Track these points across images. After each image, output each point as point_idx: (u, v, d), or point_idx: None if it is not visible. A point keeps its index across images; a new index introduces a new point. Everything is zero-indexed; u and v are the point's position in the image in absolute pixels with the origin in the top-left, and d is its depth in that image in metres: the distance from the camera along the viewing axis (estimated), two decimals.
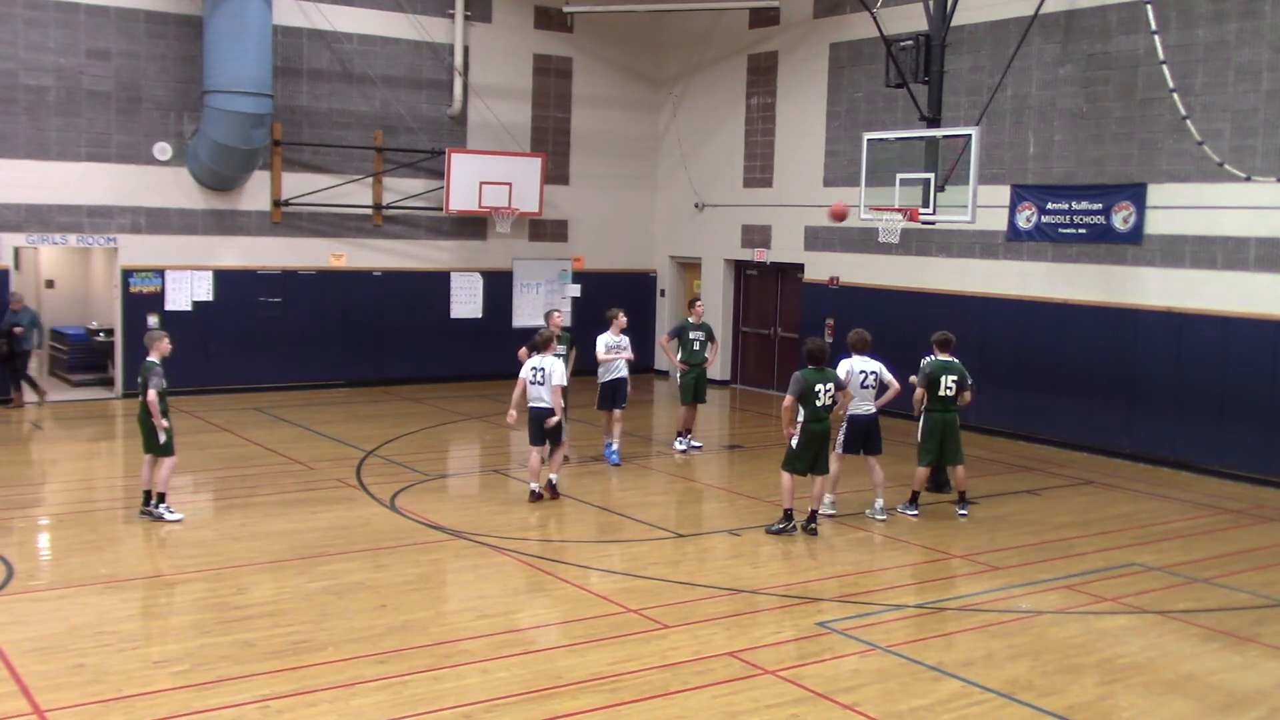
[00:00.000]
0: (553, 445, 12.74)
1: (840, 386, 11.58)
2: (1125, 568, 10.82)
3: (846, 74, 19.61)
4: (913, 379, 12.64)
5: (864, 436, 12.20)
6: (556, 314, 14.63)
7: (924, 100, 15.66)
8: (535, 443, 12.59)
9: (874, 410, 12.19)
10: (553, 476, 12.77)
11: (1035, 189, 16.75)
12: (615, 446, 14.70)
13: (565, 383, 12.74)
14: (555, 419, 12.50)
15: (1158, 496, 13.90)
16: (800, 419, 11.28)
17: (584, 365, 15.77)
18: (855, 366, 12.04)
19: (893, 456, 14.63)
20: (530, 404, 12.51)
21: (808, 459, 11.40)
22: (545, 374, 12.39)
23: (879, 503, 12.25)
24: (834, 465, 12.01)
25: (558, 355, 12.85)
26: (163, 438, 11.35)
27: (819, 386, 11.28)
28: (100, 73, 18.06)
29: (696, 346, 15.54)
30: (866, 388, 12.06)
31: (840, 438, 12.17)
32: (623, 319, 14.76)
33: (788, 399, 11.34)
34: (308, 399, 19.26)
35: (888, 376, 12.20)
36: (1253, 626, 9.27)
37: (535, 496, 12.56)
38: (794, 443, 11.34)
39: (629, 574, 10.24)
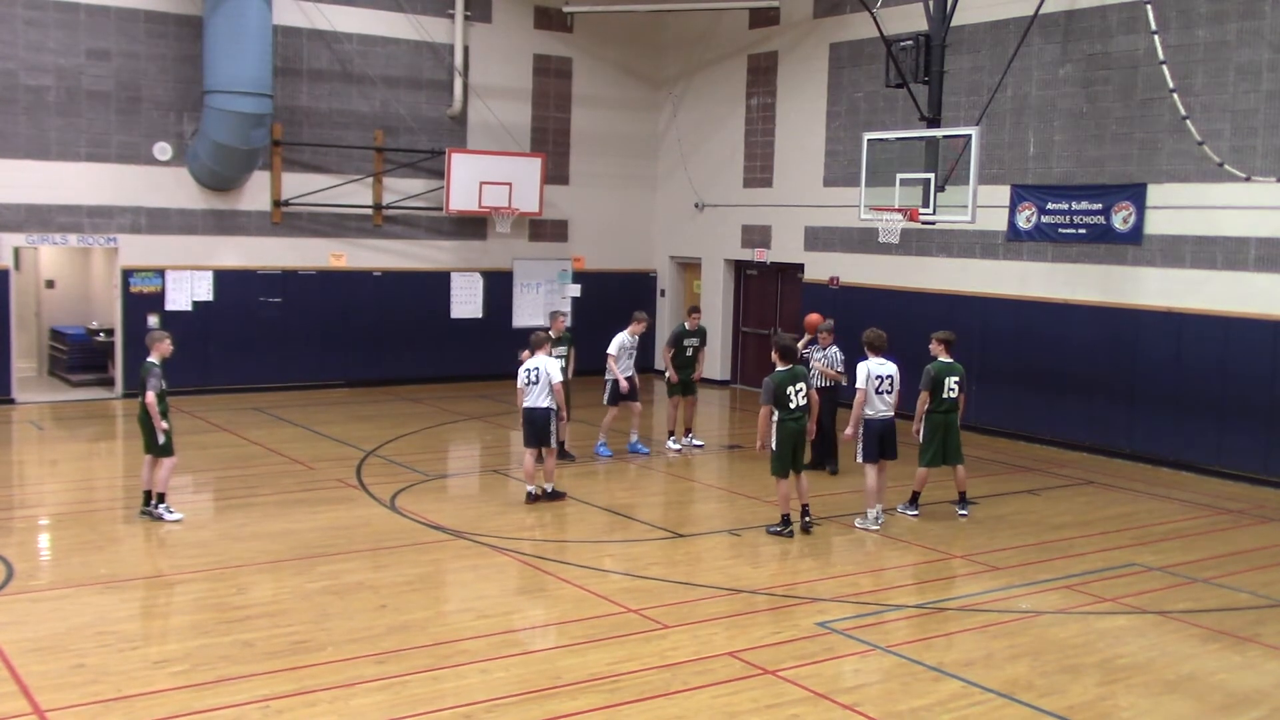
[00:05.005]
0: (545, 448, 12.52)
1: (810, 387, 11.56)
2: (1125, 568, 10.82)
3: (846, 74, 19.61)
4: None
5: (880, 440, 11.90)
6: (561, 317, 14.65)
7: (924, 100, 15.65)
8: (528, 444, 12.50)
9: (891, 414, 11.96)
10: (547, 487, 12.60)
11: (1035, 189, 16.75)
12: (635, 439, 15.22)
13: (561, 379, 12.66)
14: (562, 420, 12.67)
15: (1158, 496, 13.90)
16: (775, 418, 11.27)
17: (589, 365, 15.76)
18: (873, 370, 11.84)
19: None
20: (525, 405, 12.45)
21: (788, 457, 11.36)
22: (540, 373, 12.33)
23: (871, 512, 11.91)
24: (870, 477, 11.84)
25: (558, 356, 12.96)
26: (162, 439, 11.35)
27: (790, 389, 11.26)
28: (100, 73, 18.06)
29: (689, 353, 15.60)
30: (882, 392, 11.85)
31: (859, 447, 11.97)
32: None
33: (764, 407, 11.29)
34: (308, 399, 19.25)
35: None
36: (1253, 626, 9.27)
37: (532, 498, 12.47)
38: (773, 444, 11.32)
39: (629, 574, 10.24)
